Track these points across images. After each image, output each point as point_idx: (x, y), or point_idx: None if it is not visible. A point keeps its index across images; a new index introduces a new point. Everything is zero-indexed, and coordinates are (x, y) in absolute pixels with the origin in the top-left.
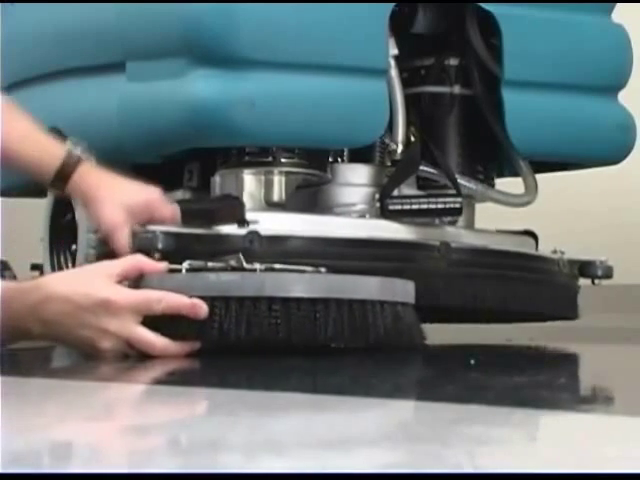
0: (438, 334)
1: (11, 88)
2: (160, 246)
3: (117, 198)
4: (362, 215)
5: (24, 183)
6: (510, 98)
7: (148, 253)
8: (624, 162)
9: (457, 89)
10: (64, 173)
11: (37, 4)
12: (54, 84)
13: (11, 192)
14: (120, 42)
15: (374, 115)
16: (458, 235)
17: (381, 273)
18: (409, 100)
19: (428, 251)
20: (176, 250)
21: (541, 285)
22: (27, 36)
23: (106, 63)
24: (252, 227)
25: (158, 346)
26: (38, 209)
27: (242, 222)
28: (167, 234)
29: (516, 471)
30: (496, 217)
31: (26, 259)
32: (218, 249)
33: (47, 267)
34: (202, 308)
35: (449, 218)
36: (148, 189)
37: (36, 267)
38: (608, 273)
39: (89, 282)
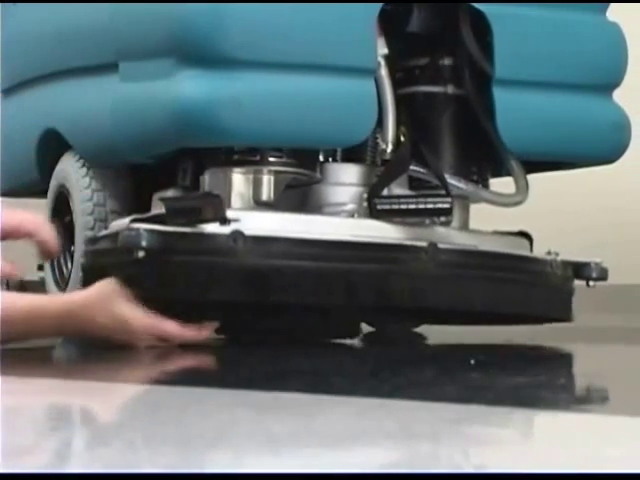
0: (438, 334)
1: (9, 91)
2: (144, 244)
3: None
4: (351, 215)
5: (24, 183)
6: (501, 97)
7: (132, 251)
8: (619, 161)
9: (451, 89)
10: None
11: (30, 6)
12: (50, 85)
13: (11, 192)
14: (113, 43)
15: (362, 115)
16: (448, 236)
17: (367, 275)
18: (403, 100)
19: (415, 253)
20: (160, 248)
21: (532, 287)
22: (22, 38)
23: (100, 64)
24: (236, 227)
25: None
26: (38, 209)
27: (223, 220)
28: (151, 232)
29: (516, 471)
30: (491, 217)
31: (29, 259)
32: (202, 247)
33: (47, 267)
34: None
35: (442, 218)
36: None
37: (42, 267)
38: (603, 275)
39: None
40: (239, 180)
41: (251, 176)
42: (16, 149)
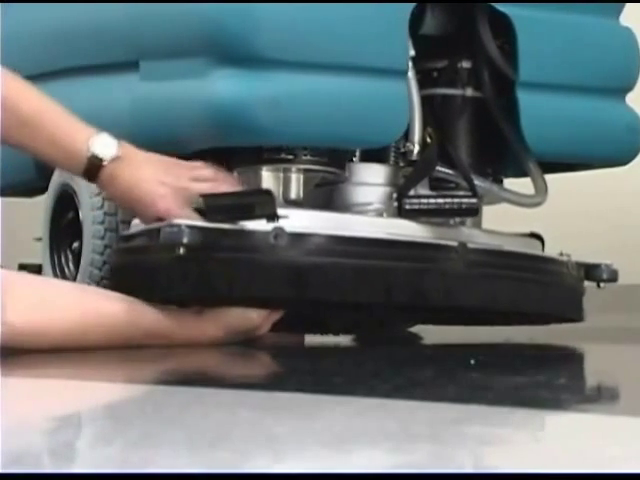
0: (438, 334)
1: None
2: (185, 240)
3: (154, 186)
4: (379, 214)
5: (20, 183)
6: (525, 100)
7: (173, 248)
8: (630, 163)
9: (469, 92)
10: (91, 173)
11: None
12: (55, 84)
13: (11, 192)
14: (134, 41)
15: (395, 116)
16: (473, 235)
17: (402, 273)
18: (422, 102)
19: (447, 252)
20: (202, 244)
21: (551, 287)
22: (37, 33)
23: (116, 62)
24: (278, 223)
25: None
26: (37, 209)
27: (273, 216)
28: (192, 228)
29: (516, 471)
30: (499, 219)
31: (17, 258)
32: (244, 244)
33: (47, 267)
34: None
35: (458, 218)
36: (171, 159)
37: (24, 267)
38: (613, 277)
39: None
40: (268, 178)
41: (281, 174)
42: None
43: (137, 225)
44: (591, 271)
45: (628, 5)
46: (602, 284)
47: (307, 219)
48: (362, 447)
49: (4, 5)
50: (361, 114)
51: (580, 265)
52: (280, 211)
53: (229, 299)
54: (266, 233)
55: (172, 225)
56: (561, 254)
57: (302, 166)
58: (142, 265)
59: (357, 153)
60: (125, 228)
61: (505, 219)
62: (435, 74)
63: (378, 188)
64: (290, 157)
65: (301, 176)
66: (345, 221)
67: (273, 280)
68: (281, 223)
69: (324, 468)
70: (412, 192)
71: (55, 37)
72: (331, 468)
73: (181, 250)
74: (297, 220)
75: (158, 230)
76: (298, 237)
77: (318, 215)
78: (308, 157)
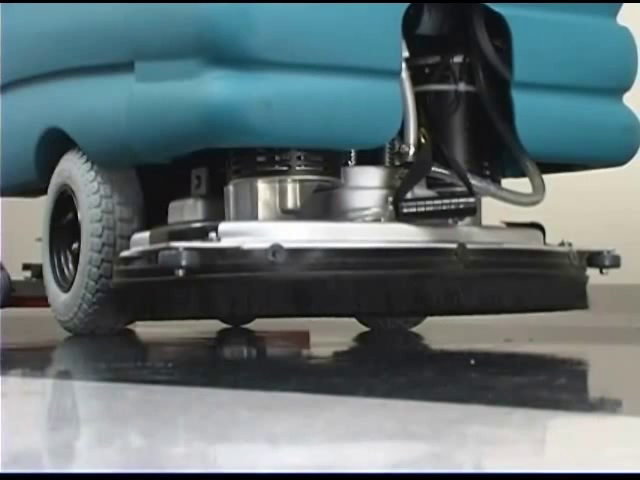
0: (438, 334)
1: (13, 85)
2: (184, 263)
3: None
4: (377, 219)
5: (20, 183)
6: (520, 100)
7: (172, 270)
8: (629, 163)
9: (462, 86)
10: None
11: (34, 3)
12: (53, 84)
13: (10, 192)
14: (128, 42)
15: (389, 116)
16: (472, 235)
17: (402, 280)
18: (415, 99)
19: (446, 255)
20: (200, 266)
21: (554, 280)
22: (34, 34)
23: (112, 63)
24: (275, 240)
25: None
26: (37, 209)
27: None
28: (191, 250)
29: (515, 471)
30: (499, 213)
31: (20, 259)
32: (242, 263)
33: (47, 266)
34: None
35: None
36: None
37: (28, 267)
38: (616, 262)
39: None
40: (264, 190)
41: (276, 185)
42: (12, 147)
43: (136, 245)
44: (593, 258)
45: (626, 5)
46: (605, 270)
47: (304, 232)
48: (362, 447)
49: (4, 5)
50: (355, 114)
51: (582, 253)
52: (277, 225)
53: (231, 318)
54: (264, 250)
55: (170, 248)
56: (562, 244)
57: (297, 177)
58: (141, 287)
59: (352, 156)
60: (123, 227)
61: (505, 216)
62: (427, 70)
63: (375, 192)
64: (284, 168)
65: (297, 186)
66: (342, 231)
67: (274, 297)
68: (278, 239)
69: (324, 468)
70: (409, 195)
71: (52, 39)
72: (331, 468)
73: (180, 272)
74: (294, 234)
75: (156, 253)
76: (296, 252)
77: (315, 227)
78: (302, 167)
